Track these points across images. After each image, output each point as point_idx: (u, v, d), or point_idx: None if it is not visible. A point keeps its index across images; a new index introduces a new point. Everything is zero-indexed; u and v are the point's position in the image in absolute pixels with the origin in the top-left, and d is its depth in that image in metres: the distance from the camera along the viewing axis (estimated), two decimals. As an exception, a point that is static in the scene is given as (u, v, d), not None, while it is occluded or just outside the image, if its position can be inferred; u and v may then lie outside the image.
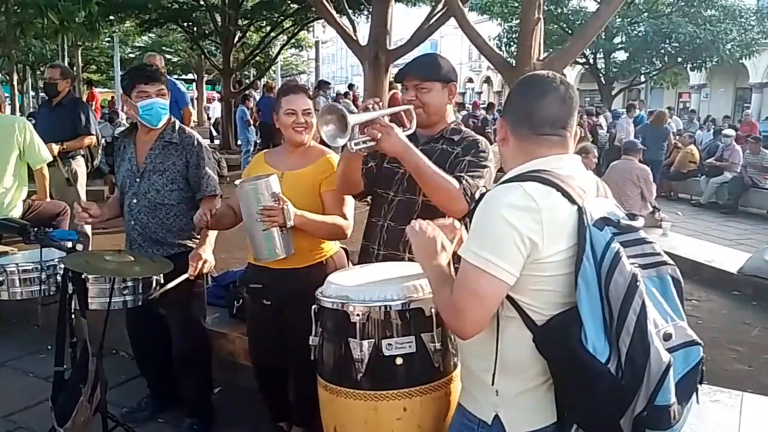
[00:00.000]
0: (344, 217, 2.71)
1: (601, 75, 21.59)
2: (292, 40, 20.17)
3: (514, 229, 1.45)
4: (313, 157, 2.78)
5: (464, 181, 2.26)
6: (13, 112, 9.44)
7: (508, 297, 1.52)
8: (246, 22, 17.30)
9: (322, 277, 2.15)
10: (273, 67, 22.88)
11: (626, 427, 1.44)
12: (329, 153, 2.79)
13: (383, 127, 2.18)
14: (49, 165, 4.64)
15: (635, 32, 20.48)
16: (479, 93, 41.12)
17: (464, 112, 16.51)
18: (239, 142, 14.26)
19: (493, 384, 1.59)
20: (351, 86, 17.02)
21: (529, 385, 1.57)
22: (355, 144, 2.21)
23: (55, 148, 5.09)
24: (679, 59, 20.49)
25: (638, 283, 1.41)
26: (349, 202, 2.75)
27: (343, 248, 2.96)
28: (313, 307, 2.02)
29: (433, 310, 1.87)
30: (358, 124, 2.18)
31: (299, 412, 2.99)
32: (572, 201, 1.49)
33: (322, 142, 2.78)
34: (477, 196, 2.24)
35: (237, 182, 2.59)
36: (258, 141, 13.04)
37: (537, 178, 1.51)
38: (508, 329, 1.56)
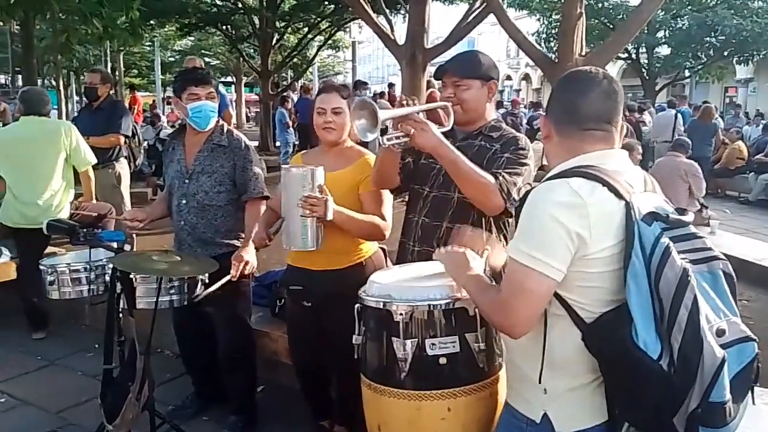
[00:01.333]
0: (383, 217, 2.70)
1: (644, 70, 21.18)
2: (329, 41, 20.28)
3: (561, 225, 1.44)
4: (351, 158, 2.77)
5: (500, 177, 2.24)
6: (59, 116, 9.70)
7: (556, 295, 1.51)
8: (283, 24, 17.47)
9: (361, 278, 2.14)
10: (310, 69, 23.05)
11: (680, 425, 1.41)
12: (367, 154, 2.77)
13: (417, 122, 2.17)
14: (94, 167, 4.75)
15: (679, 26, 20.03)
16: (518, 90, 40.72)
17: (502, 110, 16.34)
18: (278, 144, 14.41)
19: (540, 382, 1.58)
20: (391, 85, 16.97)
21: (577, 383, 1.56)
22: (388, 139, 2.21)
23: (123, 173, 5.29)
24: (725, 53, 19.97)
25: (689, 278, 1.38)
26: (388, 202, 2.73)
27: (381, 248, 2.95)
28: (356, 306, 2.01)
29: (477, 310, 1.84)
30: (390, 120, 2.19)
31: (341, 411, 3.00)
32: (619, 196, 1.47)
33: (360, 143, 2.80)
34: (514, 193, 2.22)
35: (284, 167, 2.57)
36: (296, 143, 13.14)
37: (582, 174, 1.49)
38: (556, 327, 1.55)
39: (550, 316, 1.55)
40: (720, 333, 1.42)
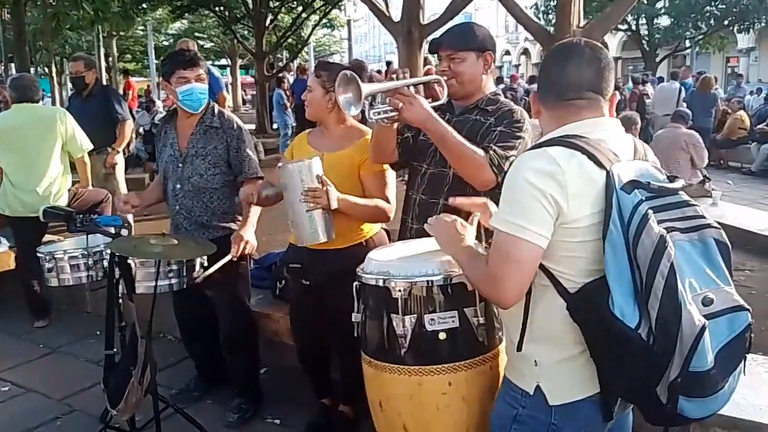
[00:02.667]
0: (386, 200, 2.68)
1: (644, 41, 21.02)
2: (324, 20, 20.09)
3: (538, 191, 1.45)
4: (352, 138, 2.74)
5: (491, 151, 2.21)
6: (53, 104, 9.66)
7: (541, 266, 1.51)
8: (277, 3, 17.28)
9: (362, 257, 2.13)
10: (306, 49, 22.85)
11: (663, 395, 1.41)
12: (368, 133, 2.73)
13: (405, 96, 2.14)
14: (88, 154, 4.73)
15: (678, -5, 19.83)
16: (517, 65, 40.44)
17: (502, 86, 16.22)
18: (275, 126, 14.35)
19: (519, 350, 1.59)
20: (389, 64, 16.84)
21: (566, 355, 1.56)
22: (375, 113, 2.19)
23: (117, 158, 5.36)
24: (726, 22, 19.80)
25: (666, 245, 1.37)
26: (391, 184, 2.72)
27: (385, 229, 2.94)
28: (355, 284, 2.01)
29: (475, 284, 1.85)
30: (380, 93, 2.17)
31: (345, 390, 3.01)
32: (600, 165, 1.46)
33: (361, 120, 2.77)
34: (506, 167, 2.19)
35: (280, 164, 2.57)
36: (294, 124, 13.08)
37: (562, 143, 1.50)
38: (541, 298, 1.56)
39: (535, 287, 1.55)
40: (707, 302, 1.41)
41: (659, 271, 1.36)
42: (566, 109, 1.58)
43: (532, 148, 1.55)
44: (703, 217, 1.49)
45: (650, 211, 1.40)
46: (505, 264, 1.49)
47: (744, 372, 1.50)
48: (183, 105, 3.06)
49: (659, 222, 1.40)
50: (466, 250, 1.71)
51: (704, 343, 1.36)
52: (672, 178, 1.52)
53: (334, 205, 2.44)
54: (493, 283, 1.52)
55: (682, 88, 11.88)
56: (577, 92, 1.57)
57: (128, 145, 5.96)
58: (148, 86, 19.87)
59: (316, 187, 2.42)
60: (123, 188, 5.72)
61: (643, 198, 1.42)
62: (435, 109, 2.21)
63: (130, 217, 4.98)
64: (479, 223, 1.90)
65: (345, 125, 2.79)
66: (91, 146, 4.67)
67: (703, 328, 1.35)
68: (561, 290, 1.52)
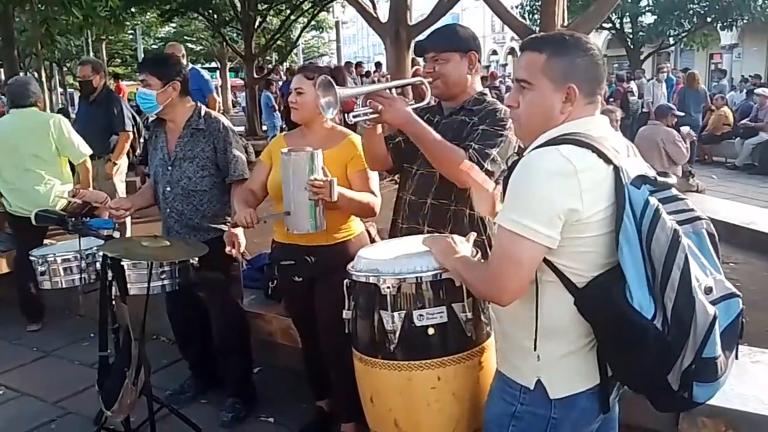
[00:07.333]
0: (374, 194, 2.73)
1: (628, 39, 21.13)
2: (312, 22, 20.10)
3: (551, 194, 1.45)
4: (335, 139, 2.77)
5: (471, 150, 2.23)
6: (43, 108, 9.59)
7: (547, 261, 1.51)
8: (265, 6, 17.27)
9: (347, 255, 2.16)
10: (294, 51, 22.84)
11: (674, 382, 1.45)
12: (351, 134, 2.79)
13: (385, 99, 2.20)
14: (92, 158, 4.74)
15: (662, -7, 19.97)
16: (504, 65, 40.51)
17: (488, 83, 16.26)
18: (265, 128, 14.37)
19: (535, 350, 1.58)
20: (378, 65, 16.87)
21: (571, 348, 1.57)
22: (354, 116, 2.25)
23: (111, 167, 5.42)
24: (709, 19, 19.92)
25: (680, 239, 1.41)
26: (375, 178, 2.76)
27: (367, 230, 2.98)
28: (345, 281, 2.04)
29: (463, 280, 1.89)
30: (358, 96, 2.25)
31: (331, 388, 3.03)
32: (608, 161, 1.47)
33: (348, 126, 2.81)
34: (487, 164, 2.22)
35: (282, 151, 2.54)
36: (284, 126, 13.11)
37: (571, 141, 1.49)
38: (547, 294, 1.55)
39: (541, 284, 1.55)
40: (708, 291, 1.45)
41: (675, 264, 1.39)
42: (593, 105, 1.59)
43: (541, 146, 1.53)
44: (693, 209, 1.53)
45: (660, 205, 1.44)
46: (507, 262, 1.50)
47: (737, 356, 1.54)
48: None
49: None
50: (462, 258, 1.74)
51: (715, 331, 1.42)
52: (663, 174, 1.55)
53: (335, 197, 2.46)
54: (493, 281, 1.53)
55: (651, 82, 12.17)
56: (600, 88, 1.60)
57: (134, 152, 5.97)
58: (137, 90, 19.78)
59: (323, 178, 2.43)
60: (121, 191, 5.72)
61: (650, 192, 1.46)
62: (425, 110, 2.25)
63: (127, 221, 5.01)
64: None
65: (327, 127, 2.81)
66: (90, 151, 4.67)
67: (714, 317, 1.40)
68: (568, 285, 1.51)
